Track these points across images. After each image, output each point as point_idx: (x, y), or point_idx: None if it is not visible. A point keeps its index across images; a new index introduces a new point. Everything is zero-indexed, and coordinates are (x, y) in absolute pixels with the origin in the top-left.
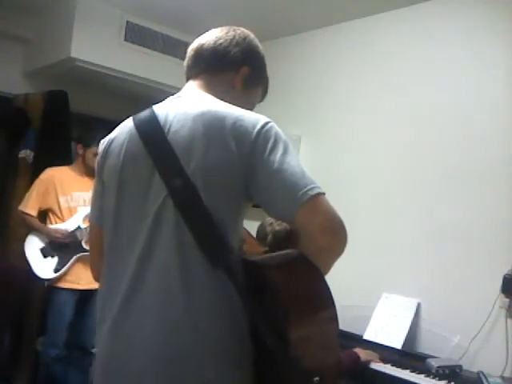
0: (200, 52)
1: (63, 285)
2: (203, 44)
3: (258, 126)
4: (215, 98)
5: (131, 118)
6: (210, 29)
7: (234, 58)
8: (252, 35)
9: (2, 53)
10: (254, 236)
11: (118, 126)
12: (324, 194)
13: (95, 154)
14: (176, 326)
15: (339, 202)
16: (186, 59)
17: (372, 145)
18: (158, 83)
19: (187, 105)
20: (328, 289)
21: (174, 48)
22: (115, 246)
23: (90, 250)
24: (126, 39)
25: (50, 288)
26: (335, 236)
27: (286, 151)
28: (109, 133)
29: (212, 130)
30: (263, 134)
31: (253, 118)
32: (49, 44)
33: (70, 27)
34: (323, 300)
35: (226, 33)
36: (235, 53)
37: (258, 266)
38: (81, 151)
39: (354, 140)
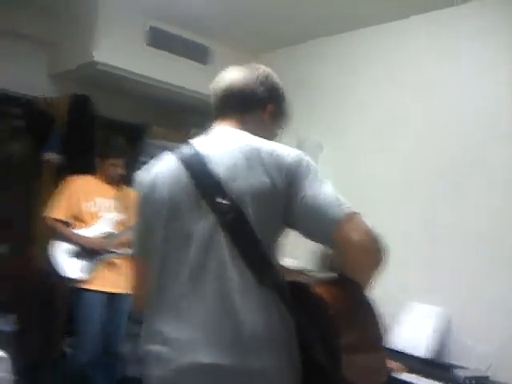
0: (229, 95)
1: (89, 286)
2: (231, 87)
3: (294, 157)
4: (249, 134)
5: (174, 154)
6: (231, 35)
7: (260, 98)
8: (271, 72)
9: (27, 56)
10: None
11: (142, 132)
12: (359, 213)
13: (113, 165)
14: (234, 333)
15: (362, 208)
16: (214, 99)
17: (395, 149)
18: (180, 87)
19: (225, 141)
20: (373, 308)
21: (196, 52)
22: (165, 270)
23: (134, 280)
24: (148, 44)
25: (77, 291)
26: (371, 253)
27: (320, 179)
28: (124, 145)
29: (252, 159)
30: (297, 162)
31: (288, 150)
32: (72, 48)
33: (93, 31)
34: (370, 319)
35: (250, 74)
36: (261, 93)
37: (306, 286)
38: (100, 163)
39: (375, 145)
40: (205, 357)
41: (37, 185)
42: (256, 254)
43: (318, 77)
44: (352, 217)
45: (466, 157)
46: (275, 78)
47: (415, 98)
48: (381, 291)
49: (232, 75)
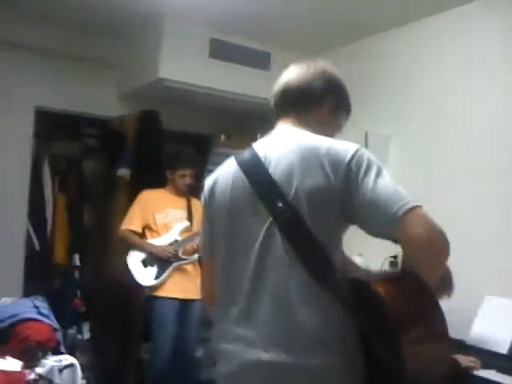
0: (286, 93)
1: (162, 293)
2: (288, 85)
3: (351, 152)
4: (308, 132)
5: (234, 158)
6: (293, 39)
7: (318, 94)
8: (329, 66)
9: (97, 78)
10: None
11: (210, 141)
12: (421, 206)
13: (182, 176)
14: (296, 337)
15: (434, 203)
16: (274, 99)
17: (464, 144)
18: (244, 95)
19: (283, 141)
20: (438, 305)
21: (258, 60)
22: (229, 271)
23: (205, 282)
24: (210, 56)
25: (150, 298)
26: (435, 246)
27: (379, 173)
28: (191, 155)
29: (308, 158)
30: (356, 158)
31: (345, 146)
32: (138, 67)
33: (158, 49)
34: (433, 316)
35: (307, 70)
36: (319, 89)
37: (364, 283)
38: (170, 176)
39: (445, 139)
40: (265, 354)
41: (112, 200)
42: (313, 255)
43: (379, 71)
44: (414, 211)
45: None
46: (334, 71)
47: (479, 88)
48: (457, 285)
49: (289, 73)
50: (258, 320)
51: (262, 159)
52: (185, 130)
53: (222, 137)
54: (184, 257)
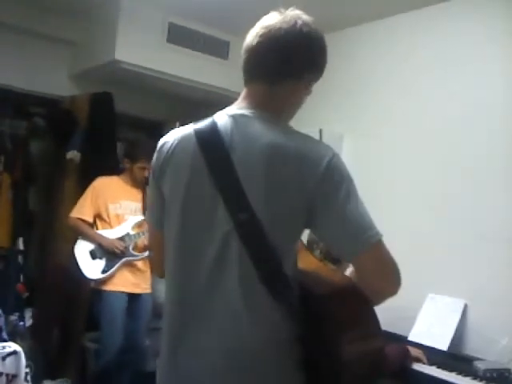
0: (261, 53)
1: (111, 288)
2: (265, 43)
3: (324, 165)
4: (278, 123)
5: (193, 129)
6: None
7: (302, 63)
8: (318, 29)
9: (48, 56)
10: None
11: (164, 128)
12: (382, 238)
13: (141, 168)
14: (241, 348)
15: (382, 201)
16: (244, 58)
17: (417, 143)
18: (201, 83)
19: (252, 131)
20: (378, 323)
21: (217, 48)
22: (181, 263)
23: (153, 251)
24: (168, 40)
25: (98, 291)
26: (391, 282)
27: (349, 193)
28: (153, 148)
29: (277, 164)
30: (328, 172)
31: (319, 154)
32: (94, 47)
33: (114, 30)
34: (373, 332)
35: (290, 29)
36: (307, 56)
37: (317, 298)
38: (128, 165)
39: (398, 137)
40: (199, 357)
41: (60, 184)
42: (270, 268)
43: (339, 68)
44: (376, 247)
45: (492, 153)
46: (322, 35)
47: (433, 86)
48: (402, 283)
49: (271, 26)
50: (208, 328)
51: (226, 144)
52: (139, 114)
53: (177, 124)
54: (135, 253)
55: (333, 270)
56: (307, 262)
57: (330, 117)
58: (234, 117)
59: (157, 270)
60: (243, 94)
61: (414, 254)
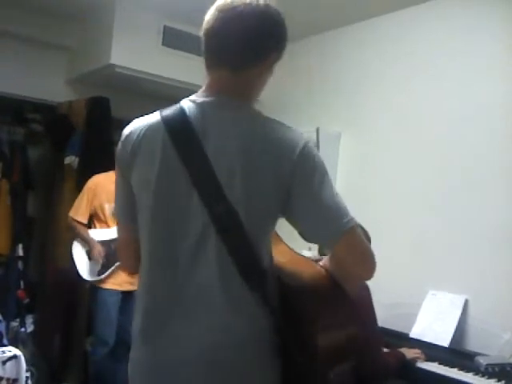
0: (222, 41)
1: (106, 286)
2: (226, 26)
3: (298, 151)
4: (248, 109)
5: (160, 117)
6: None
7: (268, 47)
8: (278, 11)
9: (45, 62)
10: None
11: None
12: (357, 225)
13: None
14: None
15: (380, 199)
16: (204, 42)
17: (415, 141)
18: (197, 86)
19: (223, 120)
20: (353, 312)
21: None
22: (155, 259)
23: (122, 247)
24: (163, 44)
25: (94, 289)
26: (366, 267)
27: (323, 179)
28: None
29: (253, 154)
30: (302, 160)
31: (294, 142)
32: (89, 51)
33: (110, 34)
34: (349, 323)
35: (253, 8)
36: (271, 41)
37: (291, 290)
38: None
39: (395, 136)
40: (183, 349)
41: (59, 188)
42: (246, 259)
43: (337, 68)
44: (351, 233)
45: (492, 150)
46: (283, 20)
47: (430, 86)
48: (402, 280)
49: (228, 13)
50: (185, 313)
51: (198, 133)
52: (135, 118)
53: None
54: None
55: (306, 259)
56: (280, 251)
57: (327, 116)
58: (202, 105)
59: (127, 265)
60: (207, 81)
61: (414, 252)
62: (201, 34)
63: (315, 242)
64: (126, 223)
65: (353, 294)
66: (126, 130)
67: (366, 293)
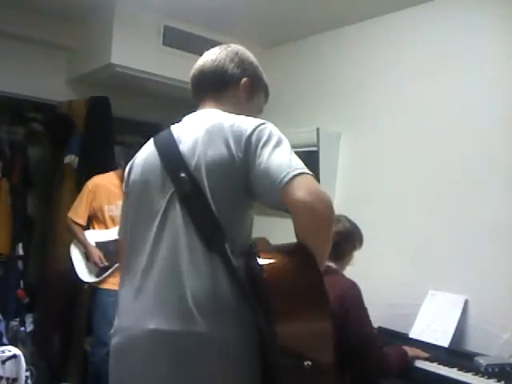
0: (201, 77)
1: (105, 286)
2: (202, 68)
3: (254, 126)
4: (221, 111)
5: (152, 138)
6: (247, 29)
7: (232, 74)
8: (241, 48)
9: (45, 61)
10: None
11: (158, 129)
12: (310, 174)
13: None
14: (182, 293)
15: (380, 199)
16: (190, 84)
17: (415, 140)
18: None
19: (197, 119)
20: (321, 282)
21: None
22: (131, 246)
23: (120, 260)
24: (164, 43)
25: (93, 289)
26: (317, 211)
27: (277, 145)
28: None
29: (212, 132)
30: (257, 131)
31: (250, 120)
32: (90, 51)
33: (110, 34)
34: (314, 291)
35: (219, 53)
36: (232, 69)
37: (255, 255)
38: (124, 167)
39: (395, 135)
40: (153, 323)
41: (58, 188)
42: (207, 223)
43: (336, 69)
44: (300, 177)
45: (492, 149)
46: (246, 53)
47: (430, 86)
48: (402, 280)
49: (203, 58)
50: (150, 290)
51: (175, 137)
52: (135, 118)
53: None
54: None
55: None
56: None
57: (327, 116)
58: (186, 118)
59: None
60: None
61: (414, 252)
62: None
63: (273, 204)
64: (122, 234)
65: (322, 255)
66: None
67: (356, 292)
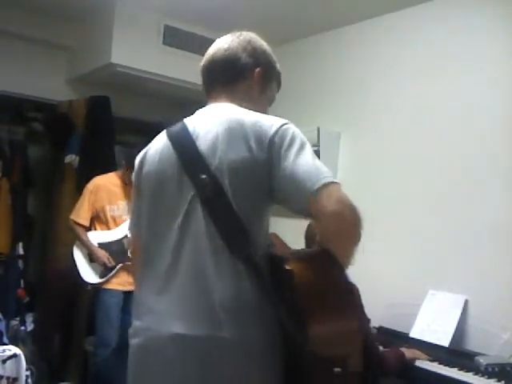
0: (212, 66)
1: (108, 286)
2: (213, 58)
3: (276, 126)
4: (236, 106)
5: (165, 131)
6: (247, 29)
7: (244, 64)
8: (254, 35)
9: (45, 61)
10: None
11: (158, 128)
12: (337, 183)
13: None
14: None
15: (380, 198)
16: (201, 74)
17: (415, 140)
18: (198, 85)
19: (212, 115)
20: (348, 284)
21: None
22: (151, 247)
23: (133, 258)
24: (164, 43)
25: (95, 289)
26: (346, 220)
27: (301, 147)
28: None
29: (232, 131)
30: (280, 132)
31: (271, 120)
32: (90, 51)
33: (110, 34)
34: (342, 295)
35: (231, 41)
36: (245, 58)
37: (281, 261)
38: (125, 167)
39: (395, 135)
40: (177, 327)
41: (59, 188)
42: (230, 225)
43: (336, 68)
44: (329, 186)
45: (493, 148)
46: (259, 40)
47: (430, 86)
48: (402, 280)
49: (214, 46)
50: (174, 293)
51: (191, 132)
52: (136, 117)
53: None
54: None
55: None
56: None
57: (327, 115)
58: (199, 110)
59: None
60: (208, 99)
61: (413, 251)
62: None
63: (298, 210)
64: (134, 232)
65: (346, 261)
66: (140, 153)
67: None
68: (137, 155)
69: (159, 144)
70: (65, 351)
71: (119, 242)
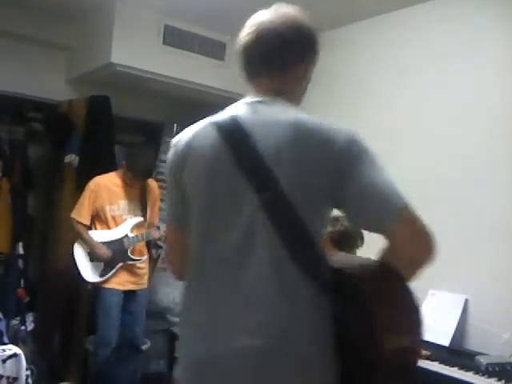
0: (259, 48)
1: (108, 285)
2: (259, 41)
3: (348, 139)
4: (290, 104)
5: (211, 123)
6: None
7: (295, 50)
8: (299, 15)
9: (45, 61)
10: None
11: (162, 130)
12: (410, 205)
13: (136, 179)
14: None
15: None
16: (244, 59)
17: (416, 139)
18: (198, 85)
19: (269, 111)
20: (418, 307)
21: (213, 49)
22: (205, 255)
23: (170, 249)
24: (164, 42)
25: (96, 288)
26: (425, 246)
27: (374, 163)
28: (151, 155)
29: (301, 141)
30: (353, 146)
31: (342, 131)
32: (90, 51)
33: (110, 33)
34: (410, 316)
35: (280, 23)
36: (295, 43)
37: (351, 277)
38: (125, 170)
39: (396, 134)
40: (239, 340)
41: (59, 187)
42: (298, 239)
43: (334, 67)
44: (407, 210)
45: (494, 149)
46: (306, 20)
47: (430, 86)
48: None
49: (258, 26)
50: (235, 307)
51: (247, 133)
52: (136, 117)
53: (175, 126)
54: (133, 257)
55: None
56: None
57: (326, 115)
58: (250, 104)
59: (175, 270)
60: (251, 89)
61: None
62: (238, 49)
63: (369, 226)
64: (175, 224)
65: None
66: (177, 138)
67: None
68: (137, 155)
69: (207, 137)
70: (65, 351)
71: (119, 241)
